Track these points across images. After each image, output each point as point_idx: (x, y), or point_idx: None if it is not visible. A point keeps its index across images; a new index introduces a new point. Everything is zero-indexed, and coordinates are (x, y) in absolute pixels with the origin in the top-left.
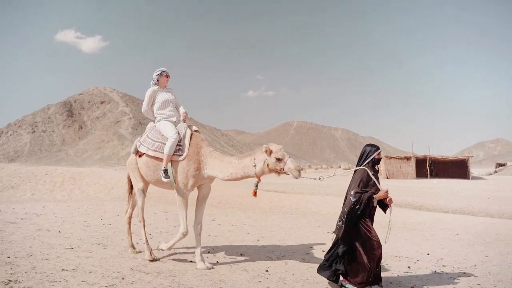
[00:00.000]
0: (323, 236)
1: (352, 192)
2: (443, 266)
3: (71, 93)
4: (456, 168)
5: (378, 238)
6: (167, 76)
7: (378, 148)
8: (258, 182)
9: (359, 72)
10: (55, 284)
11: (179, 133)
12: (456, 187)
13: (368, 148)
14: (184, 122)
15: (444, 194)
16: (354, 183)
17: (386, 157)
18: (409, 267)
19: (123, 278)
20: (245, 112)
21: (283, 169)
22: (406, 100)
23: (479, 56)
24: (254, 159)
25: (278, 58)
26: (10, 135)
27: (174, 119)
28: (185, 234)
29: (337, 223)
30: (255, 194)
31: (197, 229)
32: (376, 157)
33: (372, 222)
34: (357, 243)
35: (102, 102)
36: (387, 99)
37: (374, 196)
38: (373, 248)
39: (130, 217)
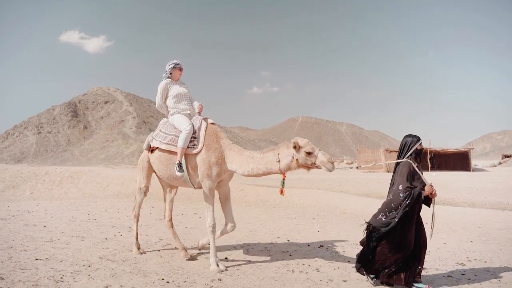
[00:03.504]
0: (294, 227)
1: (400, 187)
2: None
3: (75, 94)
4: (457, 161)
5: (412, 240)
6: (181, 70)
7: (419, 139)
8: (284, 179)
9: (363, 68)
10: (25, 271)
11: (193, 125)
12: (452, 179)
13: (410, 139)
14: (200, 115)
15: (436, 186)
16: (401, 177)
17: (386, 150)
18: None
19: (89, 266)
20: (250, 108)
21: (314, 163)
22: (410, 94)
23: (480, 54)
24: (278, 154)
25: (283, 54)
26: (16, 136)
27: (188, 112)
28: (214, 227)
29: (378, 217)
30: (282, 192)
31: (231, 228)
32: (418, 148)
33: (419, 218)
34: (390, 239)
35: (106, 102)
36: (391, 94)
37: (422, 192)
38: (400, 248)
39: (170, 220)
